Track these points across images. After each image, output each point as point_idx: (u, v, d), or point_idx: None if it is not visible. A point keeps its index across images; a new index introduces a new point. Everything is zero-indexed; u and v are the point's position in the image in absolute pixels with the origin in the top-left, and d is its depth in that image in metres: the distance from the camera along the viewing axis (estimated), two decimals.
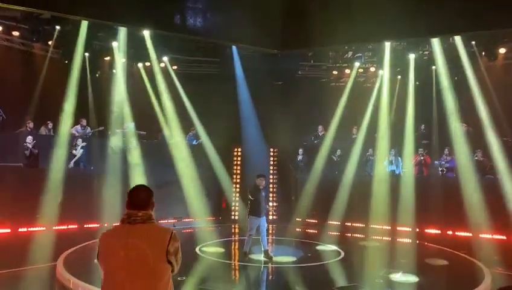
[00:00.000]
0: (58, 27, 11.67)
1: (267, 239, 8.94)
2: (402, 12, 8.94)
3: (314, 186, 13.46)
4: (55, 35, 11.90)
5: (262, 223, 8.64)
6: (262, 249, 8.76)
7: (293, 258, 9.25)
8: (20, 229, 10.64)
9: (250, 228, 8.70)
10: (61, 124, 12.18)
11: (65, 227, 11.20)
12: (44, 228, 10.77)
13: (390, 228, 12.23)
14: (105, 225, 11.17)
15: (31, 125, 12.05)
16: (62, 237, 10.21)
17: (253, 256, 9.24)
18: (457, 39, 12.19)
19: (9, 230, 10.44)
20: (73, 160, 12.35)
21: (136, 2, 8.81)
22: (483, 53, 12.35)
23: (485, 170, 12.04)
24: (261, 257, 8.79)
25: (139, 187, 2.87)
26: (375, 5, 9.06)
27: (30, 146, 11.36)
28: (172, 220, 12.72)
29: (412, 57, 13.50)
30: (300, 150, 14.59)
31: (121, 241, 2.66)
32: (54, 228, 10.86)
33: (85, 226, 11.45)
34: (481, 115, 12.00)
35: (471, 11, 8.42)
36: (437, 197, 11.54)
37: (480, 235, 11.05)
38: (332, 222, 12.95)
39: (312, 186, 13.50)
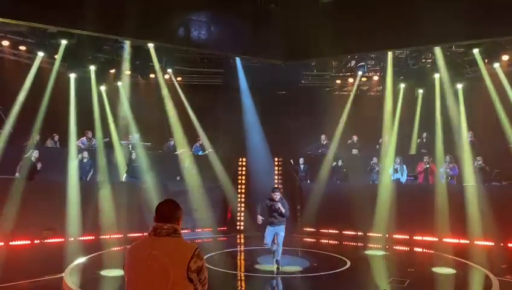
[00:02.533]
0: (64, 41, 11.81)
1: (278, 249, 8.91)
2: (403, 22, 9.02)
3: (319, 195, 13.45)
4: (60, 49, 12.05)
5: (277, 231, 8.65)
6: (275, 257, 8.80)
7: (299, 268, 9.22)
8: (27, 241, 10.69)
9: (264, 236, 8.76)
10: (67, 136, 12.31)
11: (71, 239, 11.22)
12: (48, 240, 10.84)
13: (396, 236, 12.19)
14: (109, 236, 11.25)
15: (37, 138, 12.16)
16: (67, 249, 10.24)
17: (259, 266, 9.24)
18: (460, 47, 12.25)
19: (15, 242, 10.50)
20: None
21: (140, 16, 8.94)
22: (486, 60, 12.37)
23: (490, 177, 11.99)
24: (269, 267, 8.81)
25: (165, 201, 2.91)
26: (376, 15, 9.15)
27: (34, 160, 11.42)
28: None
29: (414, 65, 13.54)
30: (301, 159, 14.61)
31: (145, 252, 2.69)
32: (59, 239, 10.93)
33: (90, 237, 11.48)
34: (485, 122, 12.02)
35: (472, 19, 8.48)
36: (443, 204, 11.50)
37: (488, 243, 10.99)
38: (338, 231, 12.91)
39: (317, 195, 13.49)
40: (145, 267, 2.65)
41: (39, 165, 11.46)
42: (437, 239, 11.63)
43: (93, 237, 11.28)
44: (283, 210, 8.49)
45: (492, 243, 10.93)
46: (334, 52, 10.64)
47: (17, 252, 10.03)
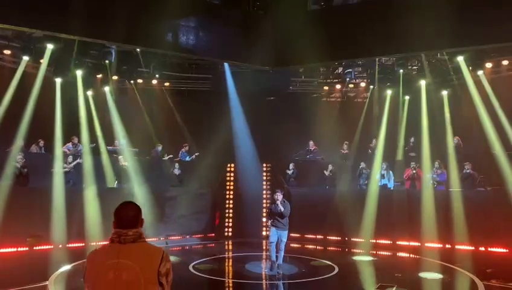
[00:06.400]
0: (49, 45, 11.66)
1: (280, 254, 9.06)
2: (390, 29, 9.11)
3: (308, 200, 13.46)
4: (46, 53, 11.89)
5: (280, 236, 8.92)
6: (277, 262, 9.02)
7: (288, 274, 9.20)
8: (10, 249, 10.46)
9: (270, 236, 9.21)
10: (53, 142, 12.12)
11: (57, 246, 11.02)
12: (35, 248, 10.64)
13: (384, 242, 12.27)
14: (93, 243, 11.07)
15: (21, 143, 11.94)
16: (53, 256, 10.05)
17: (247, 273, 9.19)
18: (445, 54, 12.45)
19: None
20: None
21: (128, 20, 8.87)
22: (470, 68, 12.58)
23: (475, 182, 12.16)
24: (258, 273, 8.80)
25: (127, 205, 2.73)
26: (363, 22, 9.24)
27: (19, 165, 11.23)
28: (165, 238, 12.61)
29: (401, 71, 13.72)
30: (291, 165, 14.64)
31: (110, 261, 2.57)
32: (44, 247, 10.72)
33: (75, 245, 11.28)
34: (470, 128, 12.21)
35: (459, 27, 8.62)
36: (429, 210, 11.62)
37: (474, 248, 11.13)
38: (326, 237, 12.92)
39: (306, 201, 13.50)
40: (111, 277, 2.53)
41: (25, 171, 11.26)
42: (433, 245, 11.70)
43: (81, 244, 11.09)
44: (282, 209, 8.73)
45: (473, 248, 11.14)
46: (322, 58, 10.69)
47: (3, 259, 9.79)
